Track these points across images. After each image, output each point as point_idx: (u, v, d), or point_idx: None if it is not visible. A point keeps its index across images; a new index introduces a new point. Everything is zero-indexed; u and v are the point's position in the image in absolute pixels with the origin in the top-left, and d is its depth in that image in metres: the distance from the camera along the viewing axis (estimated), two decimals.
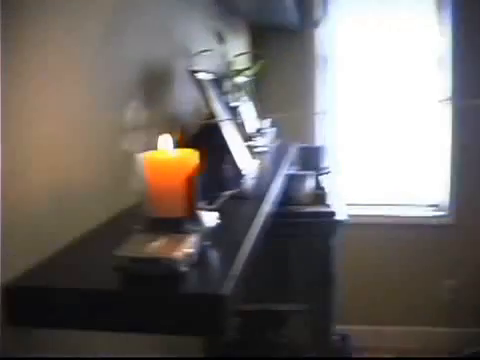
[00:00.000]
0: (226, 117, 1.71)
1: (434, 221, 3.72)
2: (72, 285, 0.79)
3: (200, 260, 0.84)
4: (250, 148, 2.02)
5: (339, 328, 3.45)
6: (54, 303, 0.78)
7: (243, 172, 1.56)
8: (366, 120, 3.78)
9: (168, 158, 0.85)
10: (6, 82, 0.81)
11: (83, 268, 0.86)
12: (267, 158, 2.08)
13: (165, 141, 0.87)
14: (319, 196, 2.42)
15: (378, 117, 3.77)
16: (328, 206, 2.36)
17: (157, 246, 0.80)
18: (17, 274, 0.83)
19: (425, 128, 3.75)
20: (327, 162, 3.51)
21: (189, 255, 0.80)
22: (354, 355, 3.59)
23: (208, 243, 0.90)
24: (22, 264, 0.85)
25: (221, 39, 1.89)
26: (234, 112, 2.00)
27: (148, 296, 0.75)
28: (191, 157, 0.86)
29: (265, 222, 1.23)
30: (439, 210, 3.76)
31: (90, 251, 0.93)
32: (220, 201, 1.20)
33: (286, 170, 2.12)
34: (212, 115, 1.55)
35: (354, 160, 3.84)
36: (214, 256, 0.89)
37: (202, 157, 1.67)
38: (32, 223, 0.89)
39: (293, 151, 2.43)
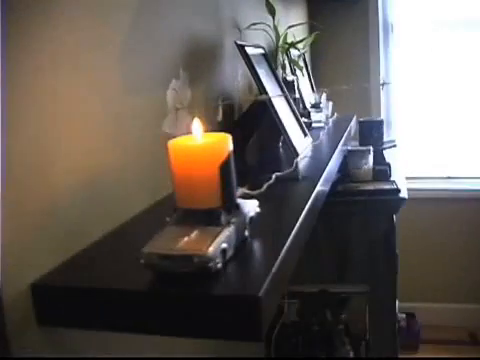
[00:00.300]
0: (277, 93, 1.63)
1: None
2: (99, 284, 0.74)
3: (237, 255, 0.77)
4: (305, 124, 1.93)
5: (404, 306, 3.38)
6: (80, 303, 0.74)
7: (297, 151, 1.48)
8: (428, 90, 3.60)
9: (196, 145, 0.77)
10: (30, 65, 0.76)
11: (113, 265, 0.81)
12: (324, 134, 1.99)
13: (195, 126, 0.79)
14: (380, 172, 2.31)
15: (441, 87, 3.58)
16: (392, 183, 2.24)
17: (188, 241, 0.72)
18: (48, 270, 0.79)
19: None
20: (391, 135, 3.38)
21: (224, 250, 0.73)
22: (422, 333, 3.50)
23: (247, 235, 0.83)
24: (54, 258, 0.81)
25: (272, 10, 1.80)
26: (288, 87, 1.92)
27: (176, 296, 0.68)
28: (222, 142, 0.77)
29: (316, 205, 1.15)
30: None
31: (123, 245, 0.88)
32: (266, 185, 1.12)
33: (345, 146, 2.03)
34: (263, 92, 1.47)
35: (415, 133, 3.67)
36: (254, 250, 0.82)
37: (252, 136, 1.61)
38: (64, 214, 0.84)
39: (352, 125, 2.32)
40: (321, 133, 1.96)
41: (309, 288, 2.10)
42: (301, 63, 2.23)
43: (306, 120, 1.98)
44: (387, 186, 2.20)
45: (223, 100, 1.21)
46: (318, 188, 1.21)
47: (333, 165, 1.57)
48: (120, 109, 1.03)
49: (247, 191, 1.02)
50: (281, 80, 1.76)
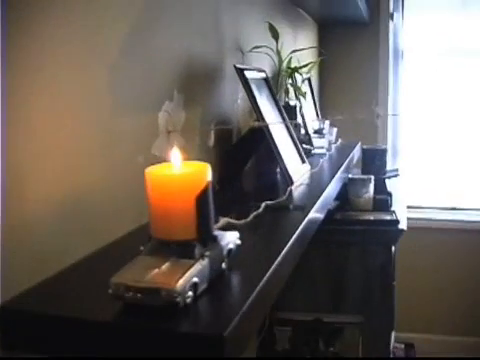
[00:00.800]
0: (276, 119, 1.61)
1: None
2: (66, 312, 0.71)
3: (211, 289, 0.75)
4: (306, 151, 1.91)
5: (403, 336, 3.33)
6: (46, 330, 0.71)
7: (292, 179, 1.46)
8: (437, 119, 3.58)
9: (172, 174, 0.75)
10: (6, 83, 0.74)
11: (85, 292, 0.78)
12: (325, 161, 1.97)
13: (174, 155, 0.77)
14: (381, 201, 2.27)
15: (450, 116, 3.55)
16: (392, 213, 2.21)
17: (158, 273, 0.70)
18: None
19: None
20: (396, 164, 3.35)
21: (195, 284, 0.70)
22: None
23: (224, 268, 0.81)
24: (31, 278, 0.79)
25: (275, 34, 1.79)
26: (290, 112, 1.90)
27: (140, 330, 0.66)
28: (201, 172, 0.75)
29: (304, 237, 1.13)
30: None
31: (99, 270, 0.86)
32: (253, 214, 1.10)
33: (345, 173, 2.00)
34: (260, 118, 1.46)
35: (422, 162, 3.65)
36: (230, 283, 0.80)
37: (248, 162, 1.59)
38: (44, 232, 0.83)
39: (355, 153, 2.29)
40: (322, 160, 1.94)
41: (302, 316, 2.07)
42: (305, 88, 2.21)
43: (307, 146, 1.96)
44: (386, 216, 2.16)
45: (216, 124, 1.18)
46: (309, 218, 1.18)
47: (329, 193, 1.55)
48: (110, 127, 1.01)
49: (232, 221, 0.99)
50: (282, 105, 1.75)
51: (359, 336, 2.04)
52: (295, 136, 1.69)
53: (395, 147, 3.53)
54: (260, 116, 1.43)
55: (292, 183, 1.44)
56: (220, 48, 1.59)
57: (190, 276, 0.70)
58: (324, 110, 3.21)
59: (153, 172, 0.75)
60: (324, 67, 3.31)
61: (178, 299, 0.67)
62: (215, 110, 1.50)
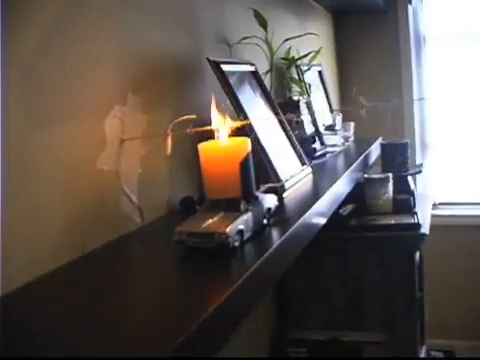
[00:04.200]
0: (266, 116, 1.41)
1: None
2: None
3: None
4: (313, 151, 1.70)
5: (442, 343, 3.08)
6: None
7: (285, 186, 1.25)
8: (461, 110, 3.28)
9: (221, 146, 0.93)
10: None
11: None
12: (337, 161, 1.76)
13: (220, 132, 0.93)
14: (402, 202, 2.04)
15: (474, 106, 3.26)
16: (413, 216, 1.97)
17: (212, 222, 0.86)
18: None
19: None
20: (419, 160, 3.09)
21: (240, 231, 0.86)
22: None
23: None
24: None
25: (262, 22, 1.58)
26: (292, 108, 1.69)
27: None
28: (242, 144, 0.93)
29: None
30: None
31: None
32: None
33: (359, 173, 1.78)
34: (243, 114, 1.25)
35: (450, 155, 3.34)
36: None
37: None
38: None
39: (373, 149, 2.07)
40: (330, 160, 1.74)
41: (318, 336, 1.85)
42: (310, 80, 1.99)
43: (315, 145, 1.74)
44: (406, 220, 1.92)
45: (173, 128, 0.97)
46: (291, 231, 0.97)
47: (337, 195, 1.35)
48: (27, 146, 0.82)
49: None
50: (277, 102, 1.55)
51: (383, 354, 1.82)
52: (292, 135, 1.49)
53: (423, 140, 3.27)
54: (241, 112, 1.23)
55: (283, 191, 1.23)
56: (198, 41, 1.39)
57: (237, 224, 0.86)
58: (347, 103, 2.99)
59: (206, 145, 0.92)
60: (343, 58, 3.10)
61: (229, 240, 0.83)
62: (191, 111, 1.30)
